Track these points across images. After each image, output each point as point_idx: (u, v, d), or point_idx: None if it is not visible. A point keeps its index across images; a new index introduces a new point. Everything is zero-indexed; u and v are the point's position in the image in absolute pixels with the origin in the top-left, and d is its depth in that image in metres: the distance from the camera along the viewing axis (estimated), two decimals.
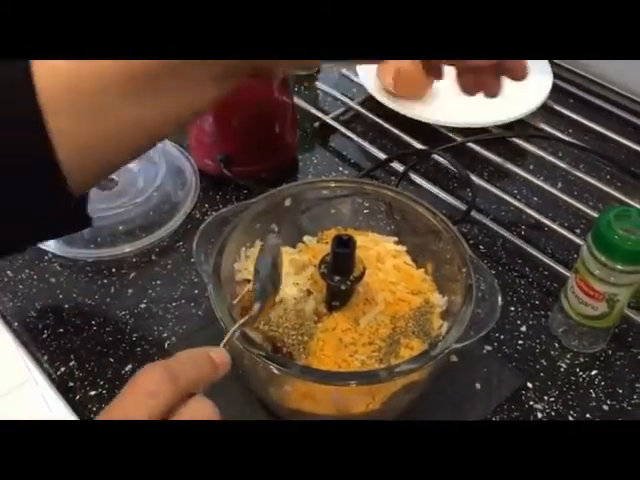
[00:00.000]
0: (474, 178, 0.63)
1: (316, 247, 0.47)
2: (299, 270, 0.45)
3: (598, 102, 0.73)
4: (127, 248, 0.57)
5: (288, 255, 0.47)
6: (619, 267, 0.45)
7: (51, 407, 0.93)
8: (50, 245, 0.56)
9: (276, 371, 0.38)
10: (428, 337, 0.43)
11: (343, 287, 0.41)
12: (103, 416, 0.31)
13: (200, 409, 0.32)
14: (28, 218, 0.38)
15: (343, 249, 0.40)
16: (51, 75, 0.34)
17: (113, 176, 0.62)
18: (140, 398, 0.31)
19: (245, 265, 0.46)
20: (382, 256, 0.47)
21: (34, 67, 0.34)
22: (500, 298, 0.40)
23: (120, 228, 0.58)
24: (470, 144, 0.66)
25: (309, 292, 0.44)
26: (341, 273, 0.41)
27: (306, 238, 0.48)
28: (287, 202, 0.47)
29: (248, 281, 0.45)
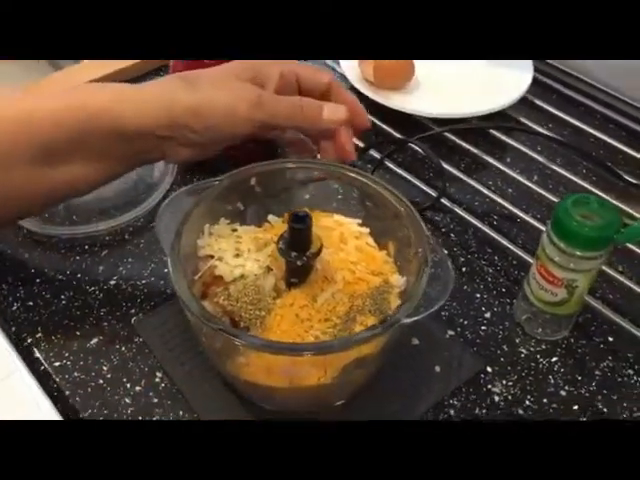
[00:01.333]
0: (450, 168, 0.63)
1: (280, 226, 0.48)
2: (261, 247, 0.46)
3: (579, 97, 0.74)
4: (101, 226, 0.57)
5: (251, 233, 0.47)
6: (577, 253, 0.45)
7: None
8: (25, 221, 0.57)
9: (237, 343, 0.38)
10: (384, 315, 0.43)
11: (299, 263, 0.42)
12: None
13: None
14: None
15: (299, 224, 0.40)
16: None
17: None
18: None
19: (208, 242, 0.46)
20: (345, 237, 0.47)
21: None
22: (452, 275, 0.41)
23: (95, 207, 0.59)
24: (449, 135, 0.67)
25: (269, 269, 0.45)
26: (298, 249, 0.42)
27: (271, 217, 0.49)
28: (252, 181, 0.48)
29: (211, 257, 0.46)
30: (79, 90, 0.44)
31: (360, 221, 0.49)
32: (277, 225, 0.49)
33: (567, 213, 0.44)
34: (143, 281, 0.54)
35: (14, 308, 0.52)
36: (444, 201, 0.60)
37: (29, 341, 0.50)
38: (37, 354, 0.49)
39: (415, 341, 0.50)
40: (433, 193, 0.61)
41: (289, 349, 0.38)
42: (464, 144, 0.67)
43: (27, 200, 0.46)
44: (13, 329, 0.51)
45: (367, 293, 0.44)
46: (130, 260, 0.56)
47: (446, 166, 0.63)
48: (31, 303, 0.52)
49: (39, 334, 0.50)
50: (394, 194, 0.46)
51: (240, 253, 0.46)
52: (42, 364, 0.49)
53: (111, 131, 0.44)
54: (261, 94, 0.46)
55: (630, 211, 0.59)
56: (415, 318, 0.39)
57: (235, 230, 0.48)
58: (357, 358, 0.40)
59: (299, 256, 0.42)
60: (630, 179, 0.63)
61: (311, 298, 0.43)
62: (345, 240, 0.47)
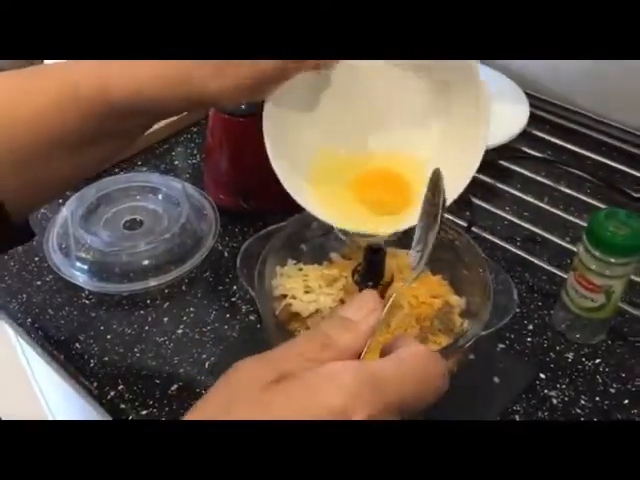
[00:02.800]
0: (472, 198, 0.69)
1: (341, 262, 0.52)
2: (330, 282, 0.50)
3: (571, 125, 0.81)
4: (158, 281, 0.61)
5: (316, 270, 0.51)
6: (612, 260, 0.50)
7: None
8: (85, 282, 0.60)
9: None
10: (452, 333, 0.47)
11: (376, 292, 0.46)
12: None
13: None
14: None
15: (375, 256, 0.45)
16: None
17: (139, 217, 0.66)
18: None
19: (280, 282, 0.50)
20: (400, 267, 0.52)
21: None
22: (515, 292, 0.46)
23: (149, 263, 0.62)
24: None
25: (342, 301, 0.49)
26: (373, 279, 0.46)
27: (333, 255, 0.53)
28: (314, 224, 0.52)
29: (284, 296, 0.50)
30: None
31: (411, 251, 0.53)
32: (338, 261, 0.53)
33: (601, 225, 0.50)
34: (208, 327, 0.58)
35: (91, 365, 0.55)
36: (472, 228, 0.66)
37: (112, 394, 0.52)
38: (122, 405, 0.52)
39: (472, 356, 0.54)
40: (462, 222, 0.66)
41: None
42: (478, 175, 0.72)
43: (67, 180, 0.45)
44: (95, 384, 0.53)
45: (432, 314, 0.49)
46: (192, 309, 0.59)
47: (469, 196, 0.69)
48: (107, 358, 0.55)
49: (121, 386, 0.53)
50: (448, 224, 0.51)
51: (310, 290, 0.50)
52: (129, 414, 0.51)
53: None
54: None
55: None
56: (490, 330, 0.43)
57: (301, 269, 0.52)
58: None
59: (375, 285, 0.46)
60: (632, 193, 0.70)
61: (385, 324, 0.47)
62: (401, 269, 0.52)
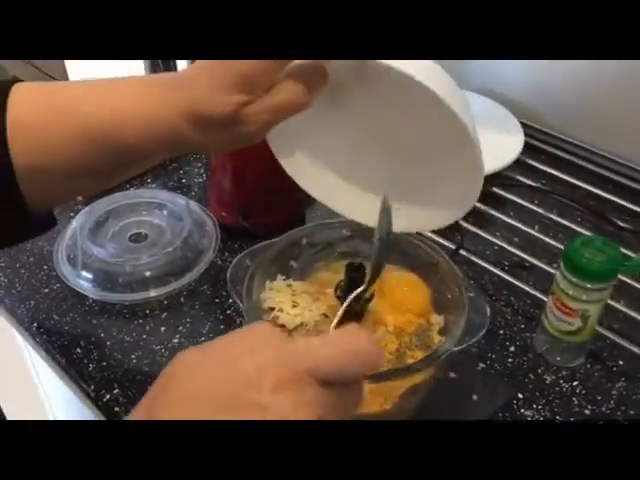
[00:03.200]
0: (462, 223, 0.72)
1: (327, 278, 0.55)
2: (315, 298, 0.53)
3: (565, 155, 0.83)
4: (158, 292, 0.64)
5: (303, 287, 0.54)
6: (588, 286, 0.52)
7: None
8: (90, 291, 0.64)
9: None
10: (429, 349, 0.50)
11: (356, 307, 0.49)
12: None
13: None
14: None
15: (355, 273, 0.48)
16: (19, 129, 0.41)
17: (144, 231, 0.70)
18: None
19: (269, 295, 0.53)
20: (388, 281, 0.55)
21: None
22: (488, 309, 0.48)
23: (151, 275, 0.65)
24: None
25: (326, 316, 0.51)
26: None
27: (319, 274, 0.56)
28: (304, 241, 0.55)
29: (272, 309, 0.52)
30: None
31: (399, 267, 0.56)
32: (324, 278, 0.56)
33: (577, 252, 0.52)
34: (202, 338, 0.60)
35: (90, 369, 0.58)
36: (461, 252, 0.68)
37: (108, 397, 0.55)
38: (116, 408, 0.55)
39: (452, 375, 0.57)
40: (450, 245, 0.68)
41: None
42: None
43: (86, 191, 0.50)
44: (92, 387, 0.56)
45: (412, 331, 0.51)
46: (188, 320, 0.62)
47: (460, 221, 0.71)
48: (105, 363, 0.58)
49: (116, 390, 0.56)
50: (426, 244, 0.54)
51: (296, 304, 0.53)
52: (122, 417, 0.54)
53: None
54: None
55: (624, 251, 0.67)
56: (462, 346, 0.46)
57: (290, 285, 0.55)
58: (412, 386, 0.47)
59: (356, 301, 0.49)
60: (620, 223, 0.72)
61: None
62: (390, 284, 0.54)
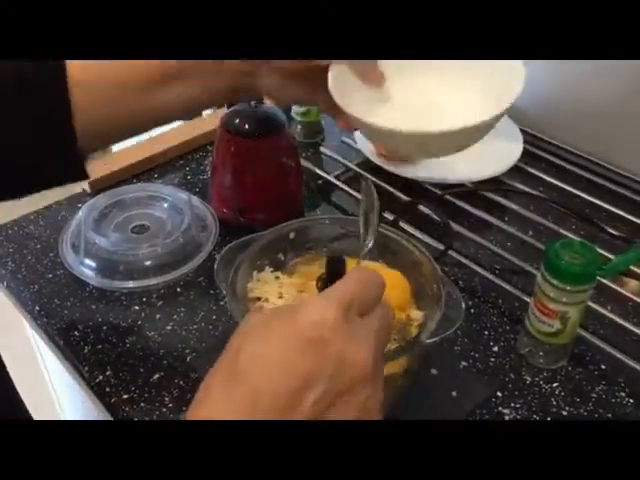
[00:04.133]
0: (456, 226, 0.73)
1: (313, 272, 0.57)
2: (300, 290, 0.54)
3: (564, 164, 0.84)
4: (156, 281, 0.66)
5: (289, 279, 0.56)
6: (568, 288, 0.53)
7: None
8: (91, 278, 0.66)
9: None
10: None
11: None
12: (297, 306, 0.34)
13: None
14: (36, 167, 0.47)
15: (336, 266, 0.49)
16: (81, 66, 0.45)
17: (146, 223, 0.73)
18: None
19: (256, 285, 0.55)
20: None
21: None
22: (463, 304, 0.49)
23: (151, 264, 0.68)
24: (452, 198, 0.77)
25: None
26: None
27: (303, 268, 0.58)
28: (291, 235, 0.57)
29: (258, 299, 0.54)
30: None
31: (383, 264, 0.57)
32: (311, 271, 0.58)
33: (557, 255, 0.53)
34: (195, 326, 0.63)
35: (85, 351, 0.60)
36: (452, 254, 0.69)
37: (100, 378, 0.58)
38: (107, 389, 0.57)
39: (434, 371, 0.58)
40: (440, 246, 0.70)
41: None
42: (467, 206, 0.76)
43: (140, 119, 0.50)
44: (86, 368, 0.59)
45: (393, 325, 0.52)
46: (182, 309, 0.64)
47: (452, 224, 0.73)
48: (100, 346, 0.61)
49: (109, 372, 0.58)
50: (412, 243, 0.56)
51: (282, 296, 0.55)
52: (112, 397, 0.56)
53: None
54: None
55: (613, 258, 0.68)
56: (435, 339, 0.47)
57: (278, 277, 0.56)
58: (385, 376, 0.48)
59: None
60: (613, 232, 0.72)
61: None
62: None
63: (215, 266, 0.53)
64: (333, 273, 0.50)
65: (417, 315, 0.54)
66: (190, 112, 0.54)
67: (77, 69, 0.45)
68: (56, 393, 1.05)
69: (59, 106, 0.44)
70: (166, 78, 0.48)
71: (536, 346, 0.59)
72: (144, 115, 0.50)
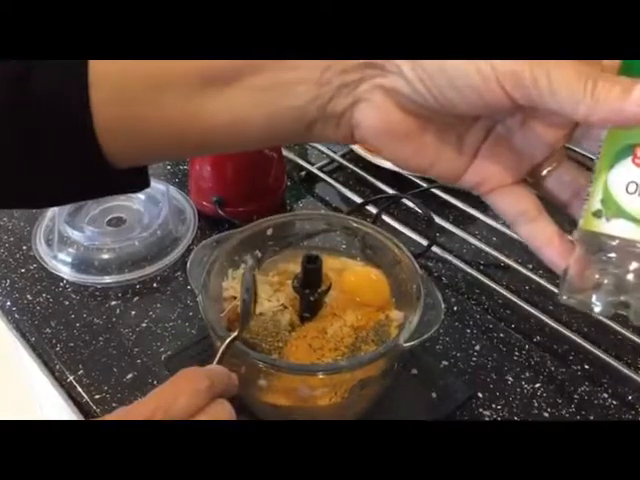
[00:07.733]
0: (440, 221, 0.71)
1: (290, 271, 0.55)
2: (275, 289, 0.53)
3: None
4: (132, 276, 0.65)
5: (265, 277, 0.54)
6: None
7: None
8: (65, 272, 0.65)
9: (261, 366, 0.45)
10: (384, 344, 0.50)
11: (312, 298, 0.49)
12: (137, 405, 0.35)
13: (221, 410, 0.37)
14: (64, 178, 0.37)
15: (311, 264, 0.48)
16: (103, 67, 0.35)
17: (123, 215, 0.71)
18: (180, 394, 0.36)
19: (231, 284, 0.53)
20: (352, 272, 0.55)
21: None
22: (443, 306, 0.48)
23: (126, 259, 0.66)
24: (438, 192, 0.75)
25: (284, 307, 0.52)
26: (310, 287, 0.49)
27: (281, 265, 0.56)
28: (269, 231, 0.55)
29: (234, 297, 0.53)
30: None
31: (363, 263, 0.56)
32: (287, 270, 0.56)
33: None
34: (171, 323, 0.61)
35: (57, 349, 0.59)
36: (436, 250, 0.68)
37: (72, 377, 0.56)
38: (79, 389, 0.55)
39: (414, 371, 0.57)
40: (424, 241, 0.68)
41: (305, 370, 0.45)
42: (453, 200, 0.75)
43: (179, 137, 0.37)
44: (57, 367, 0.57)
45: (370, 326, 0.51)
46: (159, 305, 0.63)
47: (437, 219, 0.71)
48: (72, 344, 0.59)
49: (80, 371, 0.57)
50: (393, 241, 0.54)
51: (258, 294, 0.53)
52: (84, 397, 0.55)
53: None
54: None
55: None
56: (413, 343, 0.46)
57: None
58: (362, 379, 0.47)
59: (312, 292, 0.49)
60: None
61: (322, 330, 0.50)
62: (350, 278, 0.54)
63: (188, 265, 0.51)
64: (308, 272, 0.49)
65: (396, 315, 0.53)
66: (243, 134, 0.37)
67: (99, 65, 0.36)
68: (33, 390, 1.03)
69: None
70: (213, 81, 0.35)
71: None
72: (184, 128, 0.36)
